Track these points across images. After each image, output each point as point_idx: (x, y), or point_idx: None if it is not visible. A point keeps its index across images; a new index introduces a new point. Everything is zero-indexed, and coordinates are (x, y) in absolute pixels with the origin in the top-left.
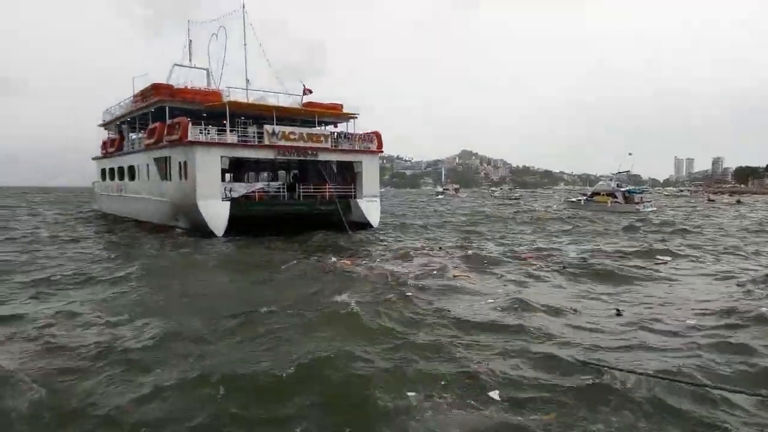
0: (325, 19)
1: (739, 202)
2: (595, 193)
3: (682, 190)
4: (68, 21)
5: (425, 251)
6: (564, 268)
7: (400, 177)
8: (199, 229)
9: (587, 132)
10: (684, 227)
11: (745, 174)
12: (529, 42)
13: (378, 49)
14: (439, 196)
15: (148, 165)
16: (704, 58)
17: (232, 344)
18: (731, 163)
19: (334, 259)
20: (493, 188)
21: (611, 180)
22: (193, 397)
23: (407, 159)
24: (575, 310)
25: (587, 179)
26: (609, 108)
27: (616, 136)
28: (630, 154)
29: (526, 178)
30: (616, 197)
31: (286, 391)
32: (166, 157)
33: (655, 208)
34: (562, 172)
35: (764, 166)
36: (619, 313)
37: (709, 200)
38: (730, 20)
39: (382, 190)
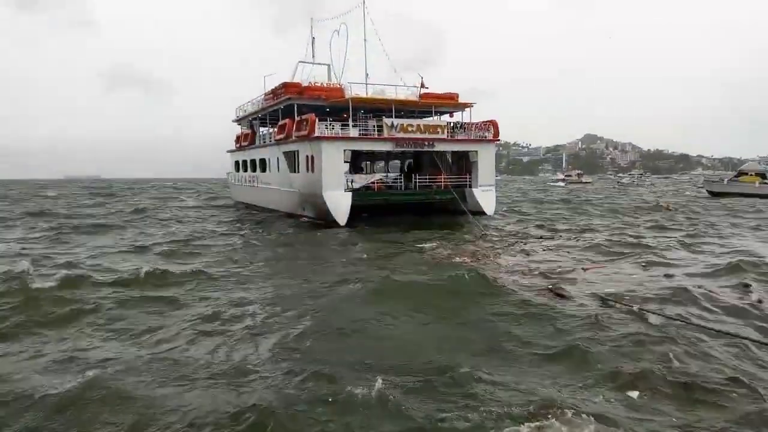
0: (449, 4)
1: None
2: (742, 173)
3: None
4: (197, 20)
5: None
6: None
7: (516, 164)
8: (324, 218)
9: (731, 114)
10: None
11: None
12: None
13: (501, 34)
14: (558, 184)
15: (278, 158)
16: None
17: None
18: None
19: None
20: (620, 174)
21: (759, 163)
22: None
23: (524, 145)
24: None
25: (729, 163)
26: (757, 89)
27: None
28: None
29: (659, 163)
30: (766, 178)
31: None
32: (294, 151)
33: None
34: (700, 156)
35: None
36: None
37: None
38: None
39: (498, 177)
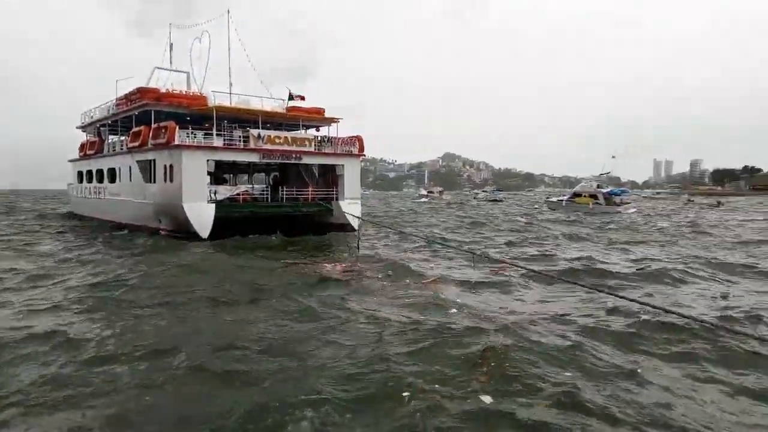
0: (325, 18)
1: (719, 203)
2: (577, 194)
3: (658, 192)
4: (45, 17)
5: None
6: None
7: (383, 179)
8: (185, 231)
9: (567, 135)
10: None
11: (722, 176)
12: (521, 50)
13: (372, 51)
14: (423, 199)
15: (130, 167)
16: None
17: None
18: (708, 165)
19: (328, 266)
20: (476, 190)
21: (592, 182)
22: None
23: (391, 161)
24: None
25: (567, 181)
26: (593, 112)
27: (598, 140)
28: (613, 156)
29: (508, 181)
30: (597, 199)
31: None
32: (150, 160)
33: (635, 209)
34: (543, 175)
35: (740, 168)
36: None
37: (689, 200)
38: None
39: (367, 192)
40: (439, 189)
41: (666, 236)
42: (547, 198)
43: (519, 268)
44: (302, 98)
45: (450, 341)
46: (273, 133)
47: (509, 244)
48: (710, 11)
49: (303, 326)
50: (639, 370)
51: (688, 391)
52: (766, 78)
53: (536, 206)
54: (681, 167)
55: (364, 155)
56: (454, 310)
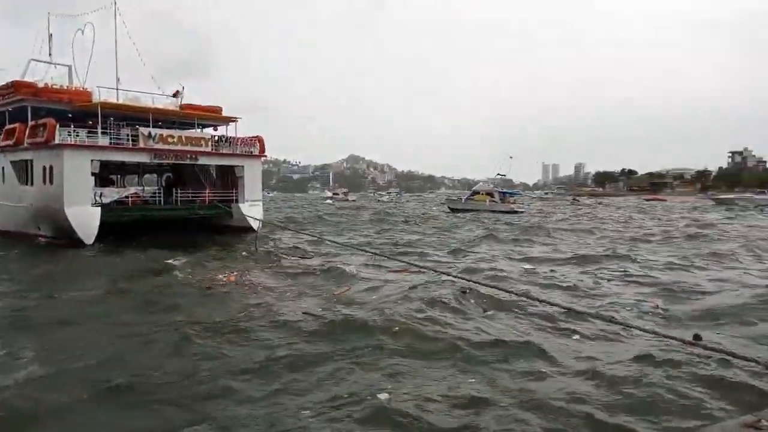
0: (225, 14)
1: (600, 203)
2: (475, 192)
3: (547, 193)
4: None
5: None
6: None
7: (287, 181)
8: (67, 237)
9: (467, 139)
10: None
11: (603, 178)
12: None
13: (277, 50)
14: (328, 201)
15: (3, 168)
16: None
17: None
18: (591, 168)
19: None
20: (380, 192)
21: (489, 183)
22: None
23: (295, 163)
24: None
25: (466, 183)
26: (491, 118)
27: (494, 145)
28: (511, 157)
29: (411, 183)
30: (494, 197)
31: None
32: (27, 161)
33: (524, 210)
34: (443, 177)
35: (619, 171)
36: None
37: (574, 200)
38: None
39: (271, 194)
40: (345, 191)
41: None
42: (448, 198)
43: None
44: (176, 95)
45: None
46: (166, 132)
47: (408, 244)
48: (593, 17)
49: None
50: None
51: None
52: (634, 87)
53: (434, 207)
54: (567, 170)
55: (266, 156)
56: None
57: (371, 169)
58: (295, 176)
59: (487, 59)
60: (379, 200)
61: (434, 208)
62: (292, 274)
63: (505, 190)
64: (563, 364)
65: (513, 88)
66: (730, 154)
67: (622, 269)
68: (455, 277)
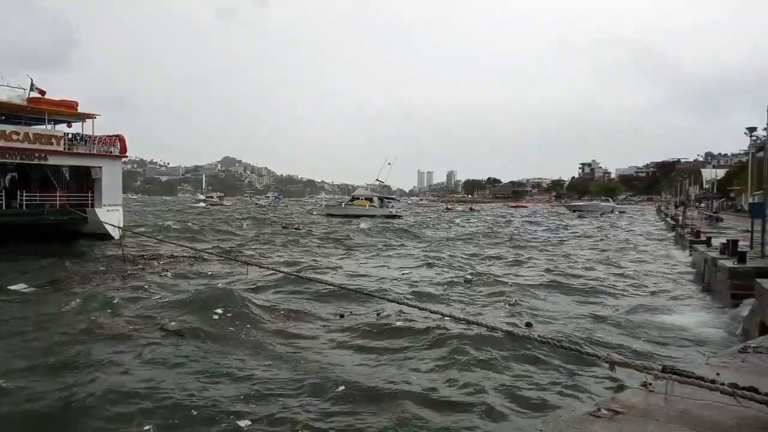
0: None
1: (471, 209)
2: (355, 198)
3: (421, 200)
4: None
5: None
6: None
7: (153, 183)
8: None
9: (346, 145)
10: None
11: (471, 186)
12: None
13: (145, 45)
14: (200, 204)
15: None
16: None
17: None
18: (462, 176)
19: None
20: (258, 196)
21: (367, 189)
22: None
23: (163, 164)
24: None
25: (346, 188)
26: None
27: (373, 151)
28: (390, 163)
29: (291, 187)
30: (373, 202)
31: None
32: None
33: (402, 215)
34: (323, 182)
35: (486, 179)
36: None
37: (447, 209)
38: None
39: (134, 197)
40: (219, 194)
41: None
42: (327, 203)
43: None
44: (42, 93)
45: None
46: (9, 128)
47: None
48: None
49: None
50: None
51: None
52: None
53: (314, 212)
54: (440, 177)
55: (127, 156)
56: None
57: (248, 173)
58: (164, 178)
59: (358, 62)
60: (257, 204)
61: (314, 213)
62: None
63: (384, 196)
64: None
65: (386, 97)
66: (581, 166)
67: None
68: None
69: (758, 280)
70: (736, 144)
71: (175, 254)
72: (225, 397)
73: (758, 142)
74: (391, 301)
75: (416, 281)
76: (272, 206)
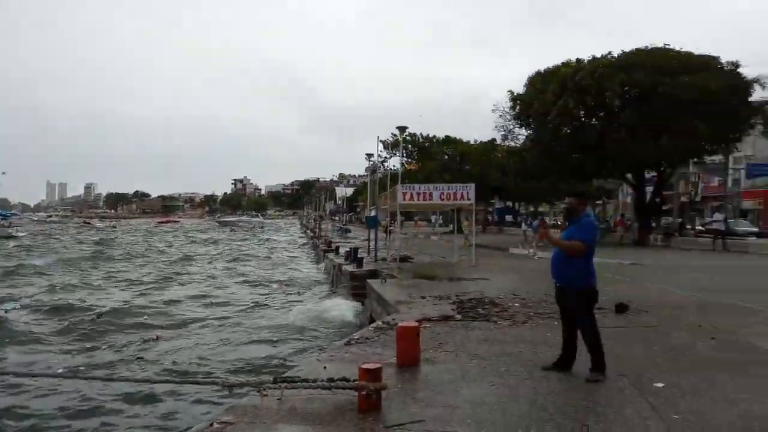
0: None
1: (114, 227)
2: None
3: (51, 215)
4: None
5: None
6: None
7: None
8: None
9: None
10: None
11: (116, 200)
12: None
13: None
14: None
15: None
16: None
17: None
18: (103, 189)
19: None
20: None
21: None
22: None
23: None
24: None
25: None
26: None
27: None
28: (3, 173)
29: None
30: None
31: None
32: None
33: (25, 233)
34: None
35: (132, 192)
36: None
37: (85, 223)
38: None
39: None
40: None
41: None
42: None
43: None
44: None
45: None
46: None
47: None
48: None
49: None
50: None
51: None
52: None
53: None
54: (77, 190)
55: None
56: None
57: None
58: None
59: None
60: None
61: None
62: None
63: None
64: None
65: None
66: (233, 181)
67: None
68: None
69: (369, 280)
70: (362, 166)
71: None
72: None
73: (373, 165)
74: None
75: None
76: None
